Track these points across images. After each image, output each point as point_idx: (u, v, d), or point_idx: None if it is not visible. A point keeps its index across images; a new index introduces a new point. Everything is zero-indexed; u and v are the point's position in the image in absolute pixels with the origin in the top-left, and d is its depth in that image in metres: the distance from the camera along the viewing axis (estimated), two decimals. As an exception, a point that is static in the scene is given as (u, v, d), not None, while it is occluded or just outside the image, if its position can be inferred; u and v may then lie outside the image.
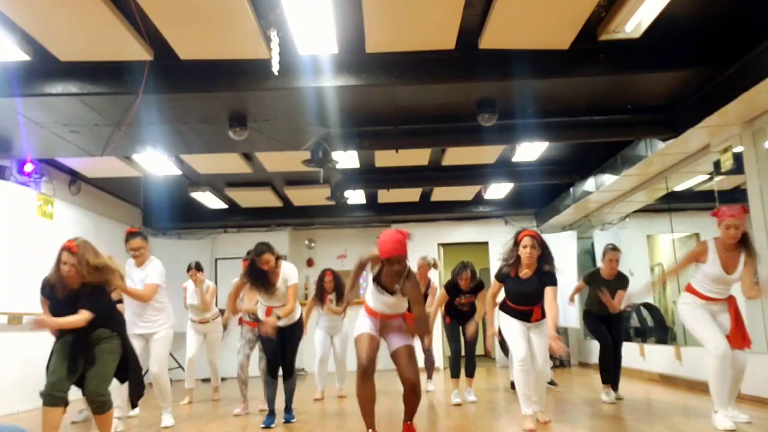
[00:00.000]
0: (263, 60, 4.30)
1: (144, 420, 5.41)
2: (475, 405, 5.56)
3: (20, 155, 6.11)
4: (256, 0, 3.82)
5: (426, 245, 9.39)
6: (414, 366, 3.81)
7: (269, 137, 5.73)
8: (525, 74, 4.61)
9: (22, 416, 5.79)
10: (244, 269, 4.79)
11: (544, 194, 9.24)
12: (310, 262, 10.46)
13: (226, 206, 9.22)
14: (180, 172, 7.13)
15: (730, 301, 4.12)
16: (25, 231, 6.39)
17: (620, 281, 5.49)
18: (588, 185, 7.78)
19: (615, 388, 5.48)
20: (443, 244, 10.55)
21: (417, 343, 5.83)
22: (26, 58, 4.25)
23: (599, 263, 5.86)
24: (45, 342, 3.86)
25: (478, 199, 9.66)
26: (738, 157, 5.31)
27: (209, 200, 8.74)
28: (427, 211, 9.88)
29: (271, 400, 4.94)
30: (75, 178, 7.40)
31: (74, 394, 3.63)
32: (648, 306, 8.82)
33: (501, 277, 4.38)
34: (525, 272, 4.25)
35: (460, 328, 5.88)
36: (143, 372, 4.14)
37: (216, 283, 8.12)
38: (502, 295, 4.51)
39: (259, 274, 4.69)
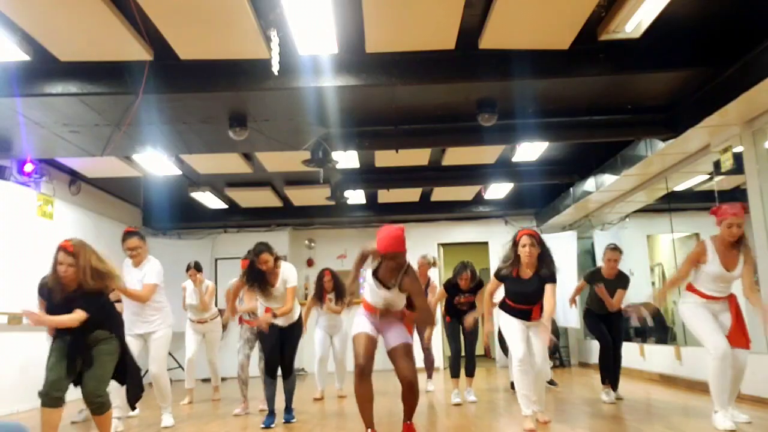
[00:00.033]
0: (263, 60, 4.30)
1: (144, 420, 5.41)
2: (475, 405, 5.56)
3: (20, 155, 6.11)
4: (256, 0, 3.82)
5: (426, 245, 9.38)
6: (411, 364, 3.81)
7: (269, 137, 5.73)
8: (525, 74, 4.61)
9: (22, 416, 5.79)
10: (244, 269, 4.79)
11: (544, 194, 9.24)
12: (310, 262, 10.46)
13: (226, 206, 9.22)
14: (180, 172, 7.13)
15: (731, 299, 4.11)
16: (25, 231, 6.39)
17: (621, 280, 5.49)
18: (588, 185, 7.78)
19: (615, 387, 5.49)
20: (443, 244, 10.55)
21: (417, 343, 5.84)
22: (26, 58, 4.24)
23: (599, 263, 5.86)
24: (45, 342, 3.85)
25: (478, 199, 9.66)
26: (738, 157, 5.30)
27: (209, 200, 8.74)
28: (427, 211, 9.88)
29: (270, 399, 4.94)
30: (75, 178, 7.40)
31: (74, 394, 3.63)
32: (648, 306, 8.82)
33: (500, 275, 4.38)
34: (526, 272, 4.25)
35: (460, 326, 5.88)
36: (143, 372, 4.15)
37: (216, 283, 8.12)
38: (499, 295, 4.51)
39: (258, 275, 4.69)
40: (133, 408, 3.92)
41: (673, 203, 7.59)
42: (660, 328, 8.49)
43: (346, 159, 6.68)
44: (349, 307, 6.19)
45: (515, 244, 4.27)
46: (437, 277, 8.84)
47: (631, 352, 7.05)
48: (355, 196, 8.87)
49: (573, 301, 5.98)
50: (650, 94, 5.38)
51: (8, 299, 5.94)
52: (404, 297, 3.87)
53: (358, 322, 3.92)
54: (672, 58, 4.58)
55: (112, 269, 3.64)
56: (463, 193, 9.27)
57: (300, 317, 5.08)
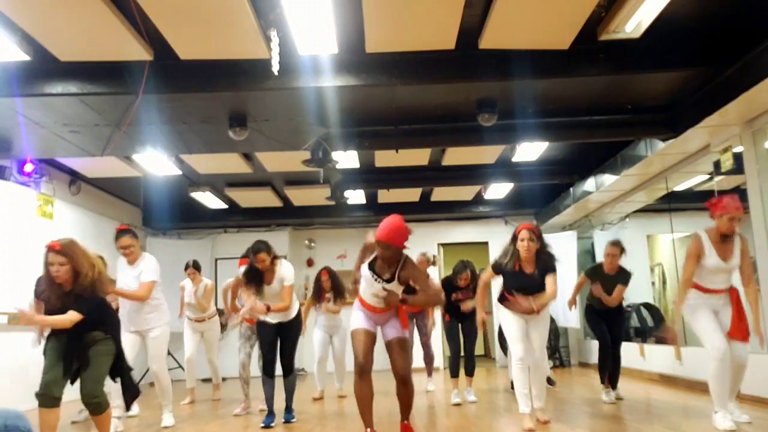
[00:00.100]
0: (263, 60, 4.30)
1: (144, 420, 5.41)
2: (475, 405, 5.56)
3: (20, 155, 6.11)
4: (256, 0, 3.82)
5: (426, 245, 9.34)
6: (406, 359, 3.83)
7: (269, 137, 5.73)
8: (525, 74, 4.61)
9: (22, 416, 5.79)
10: (246, 267, 4.78)
11: (544, 194, 9.24)
12: (310, 262, 10.46)
13: (226, 206, 9.22)
14: (180, 172, 7.13)
15: (732, 292, 4.10)
16: (25, 231, 6.39)
17: (621, 276, 5.45)
18: (588, 185, 7.78)
19: (614, 386, 5.47)
20: (443, 244, 10.56)
21: (416, 342, 5.82)
22: (26, 58, 4.24)
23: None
24: (30, 345, 3.83)
25: (478, 199, 9.67)
26: (738, 157, 5.30)
27: (209, 200, 8.74)
28: (427, 211, 9.88)
29: (269, 398, 4.94)
30: (75, 178, 7.40)
31: (74, 394, 3.62)
32: (648, 306, 8.83)
33: (497, 268, 4.39)
34: (527, 267, 4.25)
35: (459, 325, 5.88)
36: (144, 372, 4.14)
37: (216, 283, 8.12)
38: (497, 287, 4.51)
39: (255, 273, 4.69)
40: (128, 408, 3.91)
41: (673, 203, 7.59)
42: (660, 328, 8.48)
43: (346, 159, 6.68)
44: (348, 306, 6.20)
45: (514, 238, 4.28)
46: (437, 276, 8.84)
47: (631, 352, 7.05)
48: (355, 196, 8.87)
49: (573, 302, 5.93)
50: (650, 94, 5.38)
51: (8, 299, 5.94)
52: (401, 290, 3.86)
53: (355, 317, 3.91)
54: (672, 58, 4.58)
55: (102, 271, 3.61)
56: (463, 193, 9.27)
57: (298, 315, 5.07)
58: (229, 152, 6.49)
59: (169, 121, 5.36)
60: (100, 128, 5.41)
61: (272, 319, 4.87)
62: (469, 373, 5.86)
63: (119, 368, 3.70)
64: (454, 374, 5.84)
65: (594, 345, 7.76)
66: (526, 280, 4.24)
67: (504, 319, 4.42)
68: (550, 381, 6.53)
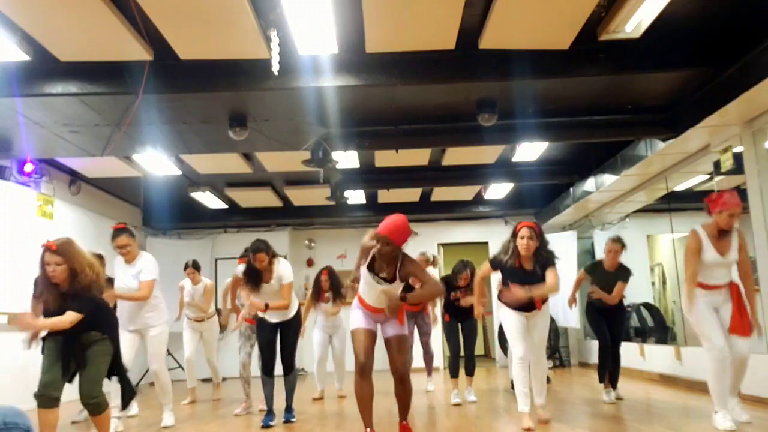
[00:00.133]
0: (263, 60, 4.30)
1: (144, 420, 5.41)
2: (475, 405, 5.56)
3: (20, 155, 6.11)
4: (256, 0, 3.82)
5: (426, 245, 9.36)
6: (404, 357, 3.83)
7: (269, 137, 5.73)
8: (525, 74, 4.61)
9: (22, 416, 5.79)
10: (245, 266, 4.79)
11: (544, 194, 9.24)
12: (310, 262, 10.46)
13: (226, 206, 9.23)
14: (180, 172, 7.13)
15: (732, 287, 4.08)
16: (25, 231, 6.39)
17: (621, 273, 5.41)
18: (588, 185, 7.78)
19: (614, 386, 5.46)
20: (443, 244, 10.56)
21: (416, 342, 5.81)
22: (26, 58, 4.24)
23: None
24: (21, 349, 3.81)
25: (478, 199, 9.67)
26: (738, 157, 5.30)
27: (209, 200, 8.74)
28: (427, 211, 9.89)
29: (269, 398, 4.94)
30: (75, 178, 7.40)
31: (74, 393, 3.62)
32: (648, 306, 8.83)
33: (495, 264, 4.38)
34: (528, 263, 4.24)
35: (459, 325, 5.88)
36: (145, 372, 4.14)
37: (216, 283, 8.12)
38: (497, 284, 4.51)
39: (253, 272, 4.69)
40: (123, 408, 3.88)
41: (673, 203, 7.59)
42: (660, 328, 8.50)
43: (346, 159, 6.68)
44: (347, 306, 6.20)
45: (514, 235, 4.27)
46: (437, 277, 8.83)
47: (631, 352, 7.05)
48: (355, 196, 8.87)
49: (573, 300, 5.85)
50: (650, 94, 5.38)
51: (8, 299, 5.95)
52: (400, 289, 3.86)
53: (355, 316, 3.90)
54: (672, 58, 4.58)
55: (100, 271, 3.61)
56: (463, 193, 9.27)
57: (298, 314, 5.07)
58: (229, 152, 6.49)
59: (169, 121, 5.36)
60: (100, 128, 5.41)
61: (271, 318, 4.87)
62: (470, 372, 5.86)
63: (116, 368, 3.70)
64: (454, 374, 5.84)
65: (594, 345, 7.76)
66: (527, 276, 4.23)
67: (504, 317, 4.42)
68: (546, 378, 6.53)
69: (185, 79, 4.61)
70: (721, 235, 4.03)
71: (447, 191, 9.06)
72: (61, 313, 3.44)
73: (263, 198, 8.97)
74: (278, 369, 4.92)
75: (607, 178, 7.21)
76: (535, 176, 7.97)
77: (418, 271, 3.79)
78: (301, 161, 6.39)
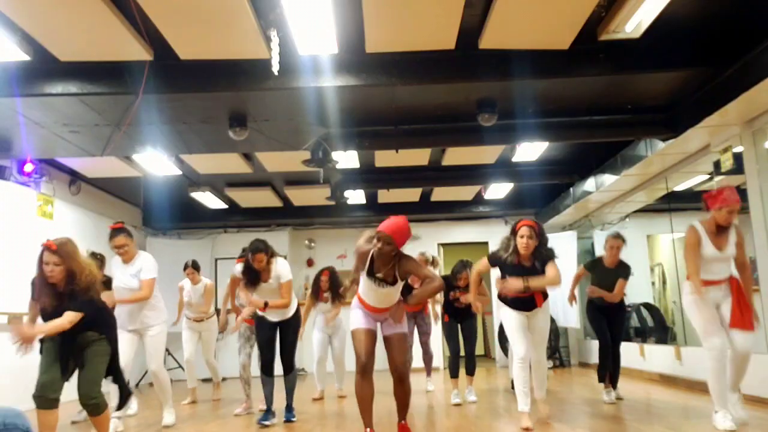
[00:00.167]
0: (263, 60, 4.30)
1: (144, 420, 5.41)
2: (475, 405, 5.55)
3: (20, 155, 6.11)
4: (256, 0, 3.82)
5: (426, 245, 9.39)
6: (404, 356, 3.82)
7: (269, 137, 5.73)
8: (525, 74, 4.61)
9: (22, 416, 5.79)
10: (242, 266, 4.78)
11: (544, 194, 9.24)
12: (310, 262, 10.46)
13: (226, 206, 9.23)
14: (180, 172, 7.13)
15: (732, 281, 4.06)
16: (25, 231, 6.39)
17: (621, 270, 5.39)
18: (588, 185, 7.78)
19: (614, 386, 5.45)
20: (443, 244, 10.56)
21: (416, 342, 5.78)
22: (26, 58, 4.24)
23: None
24: (13, 353, 3.79)
25: (478, 199, 9.67)
26: (738, 157, 5.30)
27: (209, 200, 8.74)
28: (427, 211, 9.89)
29: (268, 397, 4.94)
30: (75, 178, 7.40)
31: (74, 394, 3.62)
32: (648, 306, 8.83)
33: (494, 260, 4.38)
34: (526, 262, 4.24)
35: (458, 326, 5.87)
36: (144, 372, 4.14)
37: (216, 283, 8.11)
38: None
39: (251, 272, 4.69)
40: (119, 408, 3.86)
41: (673, 203, 7.59)
42: (660, 328, 8.50)
43: (346, 159, 6.68)
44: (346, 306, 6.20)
45: (514, 232, 4.26)
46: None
47: (631, 352, 7.05)
48: (355, 196, 8.87)
49: (573, 296, 5.79)
50: (650, 94, 5.38)
51: (8, 299, 5.95)
52: (399, 290, 3.86)
53: (355, 316, 3.89)
54: (672, 58, 4.58)
55: (96, 276, 3.61)
56: (463, 193, 9.27)
57: (297, 313, 5.07)
58: (229, 152, 6.49)
59: (169, 121, 5.36)
60: (100, 128, 5.41)
61: (271, 317, 4.87)
62: (470, 372, 5.86)
63: (113, 368, 3.69)
64: (454, 375, 5.84)
65: (594, 345, 7.76)
66: (526, 273, 4.22)
67: (505, 317, 4.41)
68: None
69: (185, 79, 4.61)
70: (719, 231, 4.04)
71: (447, 191, 9.06)
72: (58, 313, 3.42)
73: (263, 198, 8.97)
74: (278, 369, 4.92)
75: (607, 178, 7.21)
76: (535, 176, 7.97)
77: (416, 268, 3.78)
78: (301, 161, 6.40)
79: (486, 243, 10.25)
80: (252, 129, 5.36)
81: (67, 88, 4.59)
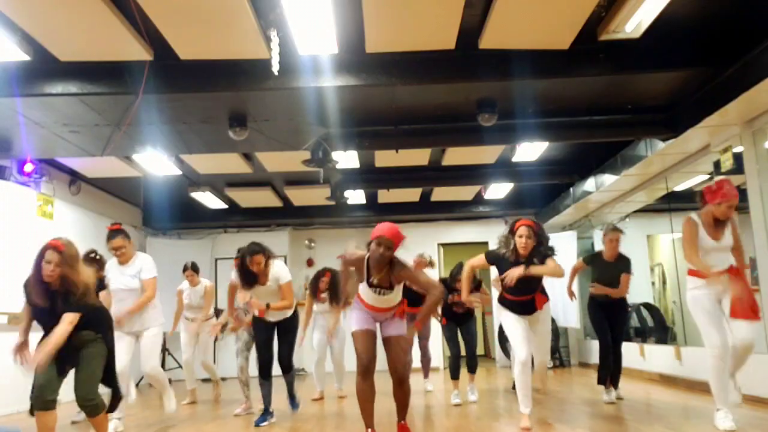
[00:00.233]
0: (263, 60, 4.30)
1: (144, 420, 5.41)
2: (476, 405, 5.55)
3: (20, 155, 6.11)
4: (256, 0, 3.82)
5: (426, 245, 9.36)
6: (404, 357, 3.81)
7: (269, 137, 5.74)
8: (525, 74, 4.61)
9: (22, 416, 5.79)
10: (237, 270, 4.77)
11: (544, 194, 9.24)
12: (310, 262, 10.46)
13: (226, 206, 9.23)
14: (180, 172, 7.13)
15: (731, 271, 3.99)
16: (25, 231, 6.38)
17: (621, 263, 5.33)
18: (588, 185, 7.78)
19: (615, 386, 5.41)
20: (443, 244, 10.55)
21: (415, 343, 5.76)
22: (26, 58, 4.25)
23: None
24: (11, 362, 3.80)
25: (478, 199, 9.67)
26: (738, 157, 5.30)
27: (209, 200, 8.74)
28: (427, 211, 9.89)
29: (266, 397, 4.94)
30: (75, 178, 7.40)
31: (73, 394, 3.62)
32: (648, 306, 8.83)
33: (492, 258, 4.36)
34: (525, 261, 4.23)
35: (457, 328, 5.86)
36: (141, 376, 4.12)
37: (216, 283, 8.10)
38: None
39: (248, 274, 4.67)
40: (110, 411, 3.84)
41: (673, 203, 7.59)
42: (660, 328, 8.49)
43: (346, 159, 6.68)
44: (344, 309, 6.19)
45: (512, 232, 4.25)
46: (436, 277, 8.83)
47: (631, 352, 7.04)
48: (355, 196, 8.87)
49: (571, 292, 5.65)
50: (650, 94, 5.38)
51: (8, 299, 5.94)
52: (400, 292, 3.86)
53: (355, 317, 3.88)
54: (672, 58, 4.58)
55: (92, 285, 3.60)
56: (463, 193, 9.27)
57: (295, 313, 5.06)
58: (229, 152, 6.49)
59: (169, 121, 5.36)
60: (100, 128, 5.41)
61: (269, 317, 4.87)
62: (472, 370, 5.86)
63: (108, 371, 3.67)
64: (455, 376, 5.81)
65: (594, 345, 7.76)
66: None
67: (506, 321, 4.39)
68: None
69: (185, 79, 4.61)
70: (716, 224, 4.03)
71: (447, 191, 9.06)
72: (51, 311, 3.42)
73: (263, 198, 8.97)
74: (276, 369, 4.92)
75: (607, 178, 7.22)
76: (535, 176, 7.97)
77: (411, 275, 3.78)
78: (301, 161, 6.40)
79: (486, 243, 10.21)
80: (252, 129, 5.36)
81: (67, 88, 4.59)
